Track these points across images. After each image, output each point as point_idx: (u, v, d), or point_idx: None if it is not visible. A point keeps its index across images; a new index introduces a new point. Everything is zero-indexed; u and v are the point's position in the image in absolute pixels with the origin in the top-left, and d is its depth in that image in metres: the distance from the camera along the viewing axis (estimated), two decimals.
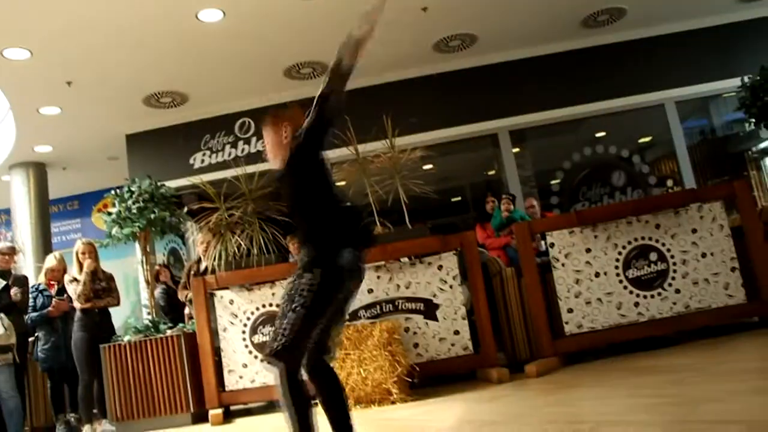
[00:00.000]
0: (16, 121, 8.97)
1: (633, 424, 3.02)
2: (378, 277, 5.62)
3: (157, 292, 7.53)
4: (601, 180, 9.19)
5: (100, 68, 7.83)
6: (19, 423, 5.99)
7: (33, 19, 6.61)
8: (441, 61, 9.03)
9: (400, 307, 5.55)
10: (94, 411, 6.28)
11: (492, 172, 10.36)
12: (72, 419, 6.72)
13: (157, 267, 8.08)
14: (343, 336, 4.97)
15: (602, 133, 9.68)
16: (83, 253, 6.28)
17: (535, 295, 5.59)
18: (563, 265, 5.60)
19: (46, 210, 10.68)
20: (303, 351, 2.80)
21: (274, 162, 3.20)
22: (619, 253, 5.56)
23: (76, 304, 6.20)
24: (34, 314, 6.59)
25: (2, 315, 5.97)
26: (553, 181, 9.37)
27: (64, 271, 6.61)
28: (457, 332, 5.47)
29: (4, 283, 6.24)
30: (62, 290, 6.55)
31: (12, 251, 6.95)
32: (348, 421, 2.91)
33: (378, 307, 5.57)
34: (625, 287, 5.52)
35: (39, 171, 10.58)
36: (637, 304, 5.48)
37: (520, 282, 5.87)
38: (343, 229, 3.00)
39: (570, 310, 5.54)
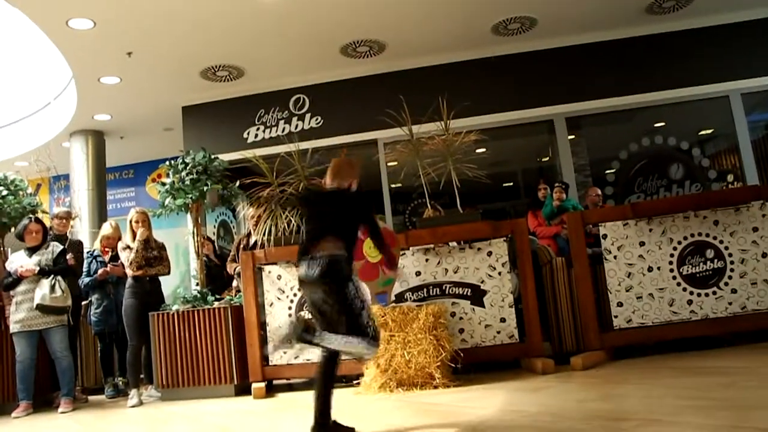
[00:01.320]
0: (78, 90, 9.16)
1: (679, 425, 2.95)
2: (426, 260, 5.59)
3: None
4: (658, 172, 8.94)
5: (160, 40, 7.93)
6: (71, 381, 6.20)
7: None
8: (499, 43, 8.88)
9: (447, 291, 5.52)
10: (141, 376, 6.42)
11: (545, 159, 10.20)
12: (120, 382, 6.91)
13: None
14: (388, 317, 4.97)
15: (661, 124, 9.42)
16: (137, 222, 6.39)
17: (585, 287, 5.50)
18: (615, 257, 5.50)
19: (103, 177, 10.93)
20: None
21: (330, 183, 3.89)
22: (674, 249, 5.43)
23: (128, 271, 6.33)
24: (87, 279, 6.76)
25: (59, 278, 6.14)
26: (608, 171, 9.18)
27: (119, 239, 6.75)
28: (503, 320, 5.42)
29: (62, 247, 6.39)
30: (116, 257, 6.70)
31: (68, 216, 7.13)
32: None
33: (425, 290, 5.55)
34: (679, 284, 5.39)
35: (97, 139, 10.81)
36: (690, 302, 5.35)
37: (570, 272, 5.78)
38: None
39: (620, 304, 5.43)
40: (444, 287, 5.53)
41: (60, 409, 5.97)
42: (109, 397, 6.77)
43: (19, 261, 6.21)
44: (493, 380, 5.02)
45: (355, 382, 5.24)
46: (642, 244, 5.47)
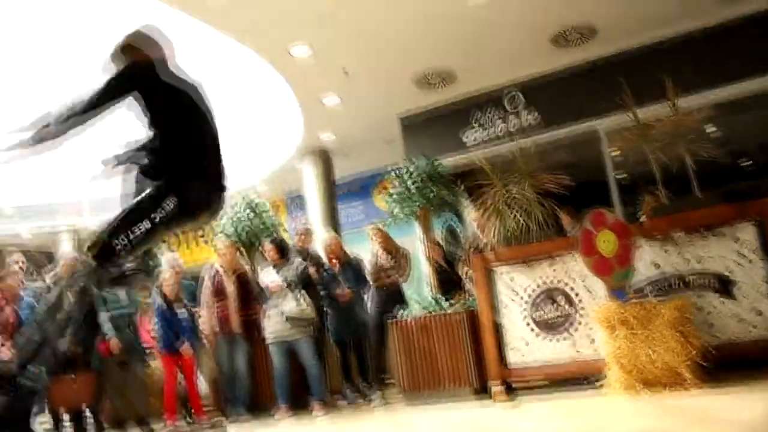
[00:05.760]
0: (303, 113, 9.78)
1: None
2: (665, 251, 5.25)
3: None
4: None
5: (373, 55, 8.22)
6: (320, 386, 6.69)
7: (312, 17, 7.12)
8: (723, 8, 8.09)
9: (690, 283, 5.14)
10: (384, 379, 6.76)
11: None
12: (361, 386, 7.26)
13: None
14: (629, 314, 4.75)
15: None
16: (371, 238, 6.80)
17: None
18: None
19: (333, 193, 11.56)
20: None
21: None
22: None
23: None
24: (322, 291, 7.18)
25: (303, 291, 6.63)
26: None
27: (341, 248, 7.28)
28: (760, 313, 4.92)
29: (305, 263, 6.89)
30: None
31: (308, 232, 7.70)
32: None
33: (665, 282, 5.22)
34: None
35: (325, 157, 11.48)
36: None
37: None
38: None
39: None
40: (686, 279, 5.16)
41: (314, 413, 6.43)
42: (348, 402, 7.15)
43: (268, 276, 6.82)
44: (751, 380, 4.52)
45: (597, 383, 5.04)
46: None
